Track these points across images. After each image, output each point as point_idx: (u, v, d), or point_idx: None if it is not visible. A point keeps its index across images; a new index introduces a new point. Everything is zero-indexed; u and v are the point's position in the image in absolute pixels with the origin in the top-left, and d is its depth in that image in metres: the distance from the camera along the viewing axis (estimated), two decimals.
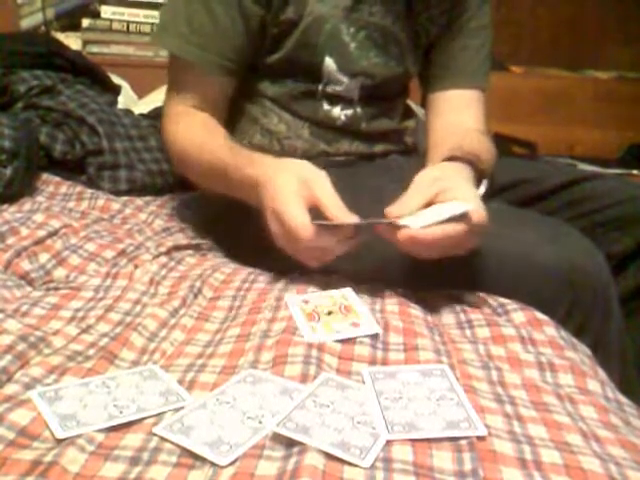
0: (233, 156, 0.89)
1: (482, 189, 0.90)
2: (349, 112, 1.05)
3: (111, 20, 2.09)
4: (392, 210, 0.77)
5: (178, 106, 0.99)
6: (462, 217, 0.74)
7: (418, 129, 1.18)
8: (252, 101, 1.05)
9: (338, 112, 1.05)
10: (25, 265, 0.88)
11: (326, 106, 1.04)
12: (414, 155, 1.14)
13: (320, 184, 0.78)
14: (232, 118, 1.06)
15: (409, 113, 1.20)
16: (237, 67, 0.99)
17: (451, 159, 0.89)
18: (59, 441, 0.52)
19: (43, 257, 0.90)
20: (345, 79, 1.03)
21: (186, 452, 0.51)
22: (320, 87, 1.03)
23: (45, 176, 1.27)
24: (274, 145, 1.04)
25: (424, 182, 0.80)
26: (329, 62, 1.01)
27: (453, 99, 1.10)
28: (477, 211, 0.75)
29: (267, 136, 1.04)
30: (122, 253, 0.93)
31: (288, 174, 0.79)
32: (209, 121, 0.98)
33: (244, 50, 0.98)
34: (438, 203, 0.77)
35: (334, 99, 1.04)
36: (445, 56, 1.11)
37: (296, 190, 0.77)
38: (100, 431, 0.53)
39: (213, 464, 0.50)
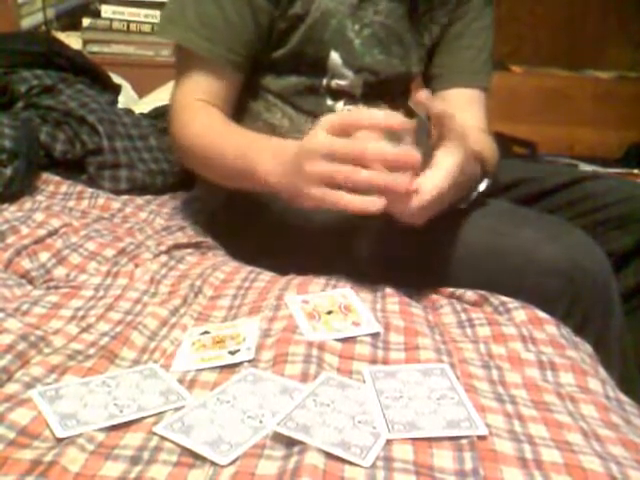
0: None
1: (482, 186, 0.90)
2: (352, 107, 1.06)
3: (111, 19, 2.09)
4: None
5: (187, 97, 0.99)
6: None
7: (419, 129, 1.18)
8: (255, 96, 1.05)
9: (341, 107, 1.05)
10: (25, 264, 0.88)
11: (329, 101, 1.05)
12: None
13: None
14: (234, 113, 1.06)
15: (410, 113, 1.20)
16: (245, 62, 0.99)
17: None
18: (59, 440, 0.52)
19: (43, 256, 0.90)
20: (350, 74, 1.03)
21: (186, 451, 0.51)
22: (324, 81, 1.03)
23: (45, 175, 1.27)
24: None
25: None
26: (334, 56, 1.01)
27: (455, 98, 1.11)
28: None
29: (270, 130, 1.04)
30: (122, 252, 0.93)
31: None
32: (222, 115, 0.98)
33: (253, 45, 0.98)
34: None
35: (337, 94, 1.04)
36: (448, 56, 1.11)
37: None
38: (100, 430, 0.53)
39: (213, 463, 0.50)
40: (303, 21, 0.98)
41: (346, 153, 0.71)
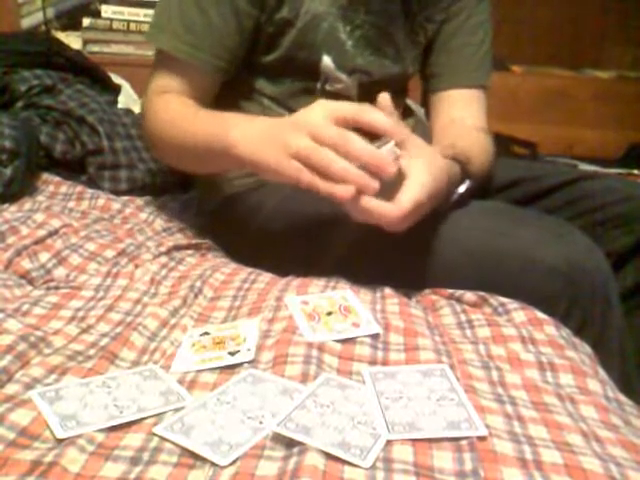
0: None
1: (462, 188, 0.90)
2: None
3: (111, 19, 2.09)
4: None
5: (164, 89, 0.99)
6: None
7: (417, 128, 1.18)
8: (250, 100, 1.05)
9: None
10: (25, 264, 0.88)
11: None
12: None
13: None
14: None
15: (408, 113, 1.20)
16: (229, 65, 0.98)
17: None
18: (59, 441, 0.52)
19: (43, 256, 0.90)
20: (343, 76, 1.03)
21: (186, 452, 0.51)
22: (319, 85, 1.03)
23: (45, 176, 1.27)
24: None
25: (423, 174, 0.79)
26: (327, 60, 1.01)
27: (454, 98, 1.11)
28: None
29: None
30: (122, 253, 0.93)
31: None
32: (195, 103, 0.97)
33: (237, 49, 0.98)
34: None
35: (332, 97, 1.04)
36: (445, 54, 1.11)
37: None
38: (100, 431, 0.53)
39: (213, 464, 0.50)
40: (293, 25, 0.97)
41: (333, 140, 0.71)
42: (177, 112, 0.95)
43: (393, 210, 0.74)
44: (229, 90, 1.03)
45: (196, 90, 0.98)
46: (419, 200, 0.75)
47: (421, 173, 0.77)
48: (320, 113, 0.73)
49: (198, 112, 0.93)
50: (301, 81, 1.03)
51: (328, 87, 1.04)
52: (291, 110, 1.04)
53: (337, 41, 1.00)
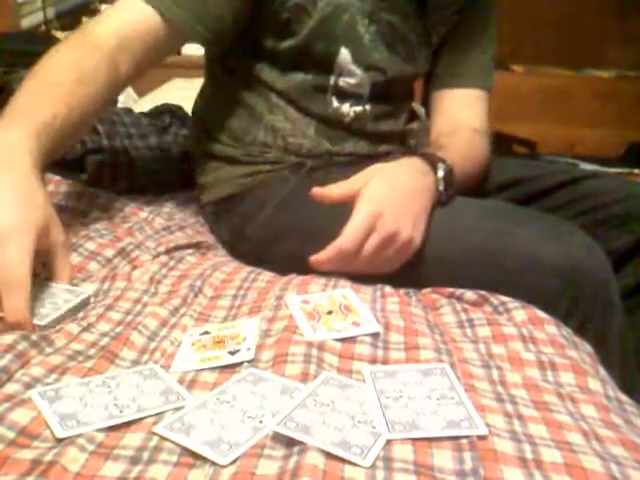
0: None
1: (440, 172, 0.90)
2: (358, 109, 1.05)
3: None
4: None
5: (122, 25, 0.92)
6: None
7: (420, 131, 1.18)
8: (258, 95, 1.04)
9: (347, 108, 1.05)
10: None
11: (335, 103, 1.04)
12: None
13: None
14: (235, 114, 1.05)
15: (413, 115, 1.20)
16: (214, 38, 0.95)
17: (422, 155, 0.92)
18: (59, 440, 0.51)
19: None
20: (359, 71, 1.02)
21: (186, 451, 0.51)
22: (332, 80, 1.03)
23: (45, 175, 1.26)
24: (278, 142, 1.04)
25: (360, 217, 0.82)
26: (344, 53, 1.00)
27: (456, 98, 1.11)
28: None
29: (271, 133, 1.04)
30: (122, 252, 0.93)
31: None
32: (107, 63, 0.89)
33: (225, 22, 0.95)
34: None
35: (344, 95, 1.04)
36: (453, 55, 1.11)
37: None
38: (100, 430, 0.53)
39: (213, 463, 0.49)
40: (309, 13, 0.97)
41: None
42: (71, 61, 0.90)
43: (322, 253, 0.81)
44: (235, 86, 1.03)
45: (157, 51, 0.94)
46: (344, 247, 0.81)
47: (358, 211, 0.81)
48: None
49: (68, 86, 0.89)
50: (313, 75, 1.02)
51: (341, 82, 1.03)
52: (300, 108, 1.03)
53: (356, 34, 1.00)
